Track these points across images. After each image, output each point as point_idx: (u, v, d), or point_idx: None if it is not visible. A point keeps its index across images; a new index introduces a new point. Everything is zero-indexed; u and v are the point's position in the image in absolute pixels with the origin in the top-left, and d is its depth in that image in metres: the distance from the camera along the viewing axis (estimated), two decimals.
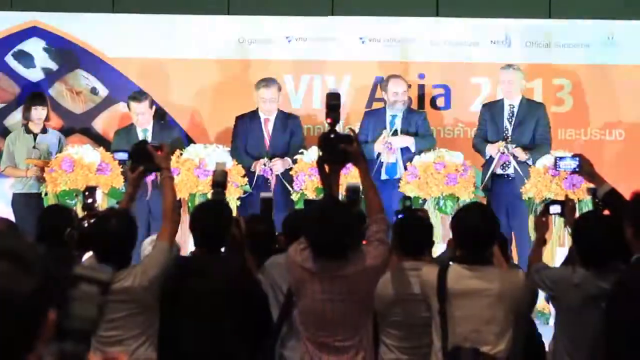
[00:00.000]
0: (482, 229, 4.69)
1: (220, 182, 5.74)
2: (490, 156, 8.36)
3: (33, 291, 1.78)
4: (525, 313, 5.09)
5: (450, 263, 4.76)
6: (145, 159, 5.23)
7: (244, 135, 8.62)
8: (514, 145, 8.32)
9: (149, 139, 8.20)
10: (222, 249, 5.06)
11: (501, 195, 8.28)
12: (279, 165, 8.34)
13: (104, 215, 5.25)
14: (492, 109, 8.71)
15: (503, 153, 8.27)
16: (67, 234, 5.29)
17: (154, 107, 8.59)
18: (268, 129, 8.62)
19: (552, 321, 6.58)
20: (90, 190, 6.38)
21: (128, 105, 8.60)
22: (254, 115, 8.67)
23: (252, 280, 5.11)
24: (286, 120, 8.71)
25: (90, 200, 6.25)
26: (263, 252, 5.47)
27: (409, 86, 8.78)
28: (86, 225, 5.64)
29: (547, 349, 5.29)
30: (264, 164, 8.35)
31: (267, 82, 8.61)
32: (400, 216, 5.49)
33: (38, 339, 1.81)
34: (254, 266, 5.34)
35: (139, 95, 8.63)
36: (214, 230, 5.01)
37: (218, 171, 5.86)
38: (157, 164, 5.23)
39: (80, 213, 6.81)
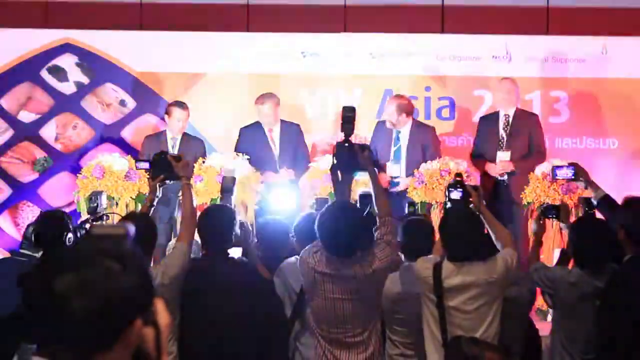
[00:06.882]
0: (465, 231, 4.84)
1: (228, 188, 6.02)
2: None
3: (133, 288, 1.87)
4: (524, 311, 5.33)
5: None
6: (165, 168, 5.48)
7: (250, 145, 8.52)
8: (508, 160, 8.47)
9: (176, 148, 8.45)
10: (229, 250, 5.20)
11: (498, 201, 8.30)
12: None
13: (124, 218, 5.47)
14: (489, 119, 8.83)
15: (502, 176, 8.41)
16: (67, 239, 5.41)
17: (188, 120, 8.68)
18: (274, 138, 8.68)
19: (549, 317, 6.76)
20: (95, 195, 6.61)
21: (167, 111, 8.65)
22: (257, 126, 8.69)
23: (259, 278, 5.28)
24: (288, 128, 8.75)
25: (94, 204, 6.48)
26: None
27: (408, 102, 8.67)
28: (88, 227, 5.82)
29: (544, 342, 5.57)
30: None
31: (264, 97, 8.66)
32: (405, 220, 5.63)
33: (125, 334, 1.87)
34: (262, 266, 5.54)
35: (182, 103, 8.69)
36: (219, 232, 5.14)
37: (227, 178, 6.16)
38: (176, 173, 5.45)
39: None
